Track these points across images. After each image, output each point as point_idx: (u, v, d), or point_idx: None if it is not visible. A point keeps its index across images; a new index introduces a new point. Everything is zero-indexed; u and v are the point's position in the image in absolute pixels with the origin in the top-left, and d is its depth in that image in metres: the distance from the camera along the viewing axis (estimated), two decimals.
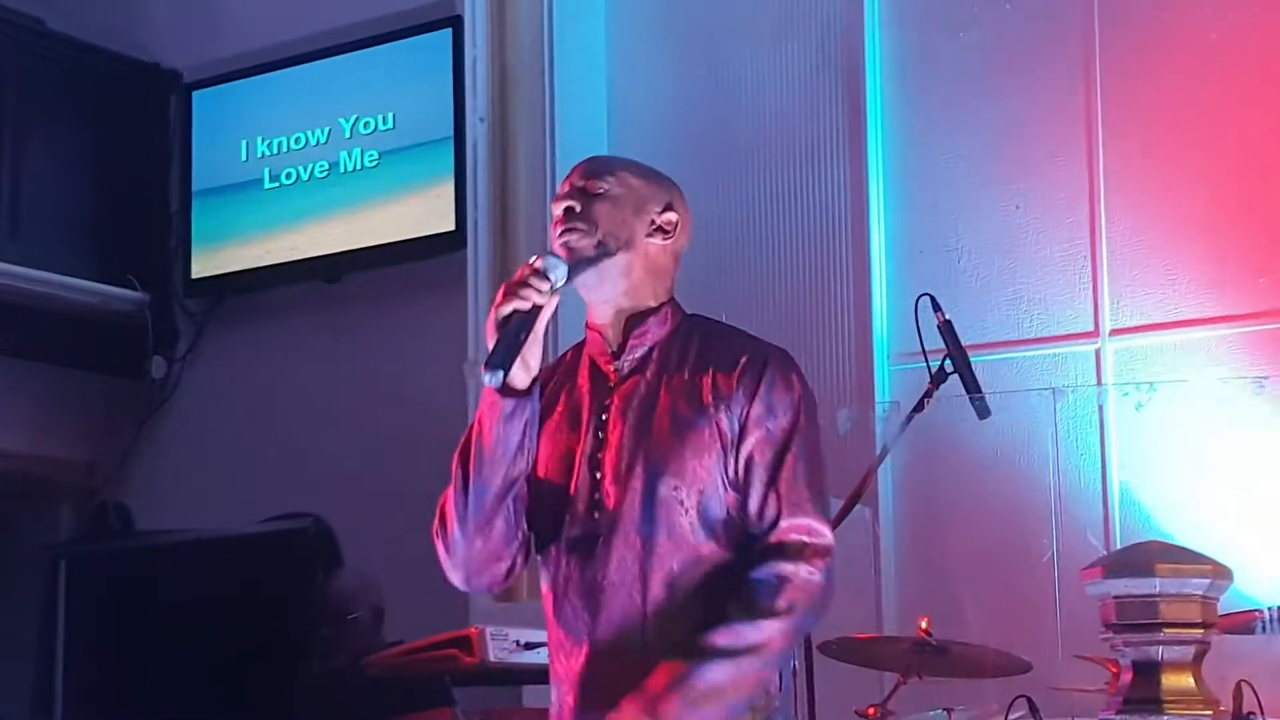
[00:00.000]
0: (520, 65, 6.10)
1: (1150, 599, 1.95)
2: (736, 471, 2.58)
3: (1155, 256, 5.37)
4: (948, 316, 4.29)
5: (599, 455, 2.63)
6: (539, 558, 2.71)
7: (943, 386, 4.24)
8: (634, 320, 2.69)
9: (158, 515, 6.58)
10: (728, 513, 2.58)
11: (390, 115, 6.28)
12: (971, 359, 4.26)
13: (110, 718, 6.25)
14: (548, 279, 2.56)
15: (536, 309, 2.53)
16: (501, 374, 2.50)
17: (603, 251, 2.64)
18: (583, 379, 2.71)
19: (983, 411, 4.22)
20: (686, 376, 2.64)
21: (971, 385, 4.25)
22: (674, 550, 2.57)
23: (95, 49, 6.66)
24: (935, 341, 4.28)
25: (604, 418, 2.66)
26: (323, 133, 6.42)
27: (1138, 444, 5.02)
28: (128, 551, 6.61)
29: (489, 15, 6.15)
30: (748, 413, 2.59)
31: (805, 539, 2.54)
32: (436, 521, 2.68)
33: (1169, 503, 4.84)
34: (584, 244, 2.64)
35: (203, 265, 6.62)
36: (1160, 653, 1.91)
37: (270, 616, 5.83)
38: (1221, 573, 2.00)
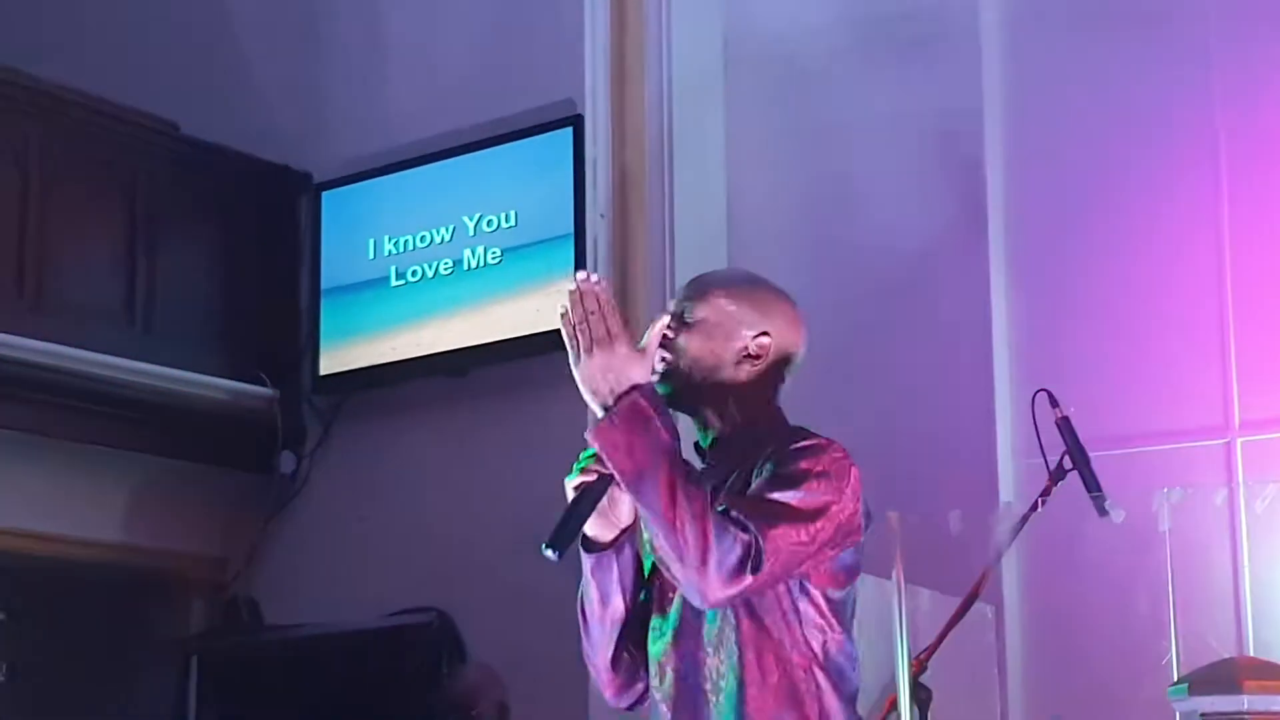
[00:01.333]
0: (640, 163, 6.17)
1: (1238, 716, 1.91)
2: None
3: None
4: (1065, 413, 4.26)
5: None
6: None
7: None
8: (717, 442, 2.80)
9: (287, 609, 6.65)
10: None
11: (513, 213, 6.36)
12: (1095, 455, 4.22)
13: None
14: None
15: (605, 481, 2.64)
16: (556, 553, 2.63)
17: (688, 387, 2.75)
18: None
19: (1102, 510, 4.17)
20: (747, 467, 2.72)
21: (1091, 483, 4.20)
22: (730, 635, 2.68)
23: (227, 151, 6.81)
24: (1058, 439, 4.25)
25: None
26: (447, 231, 6.51)
27: (1268, 544, 4.93)
28: (257, 645, 6.68)
29: (609, 114, 6.24)
30: (776, 461, 2.67)
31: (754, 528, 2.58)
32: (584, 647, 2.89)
33: None
34: (671, 377, 2.76)
35: (331, 362, 6.72)
36: None
37: (394, 710, 5.86)
38: None
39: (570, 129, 6.22)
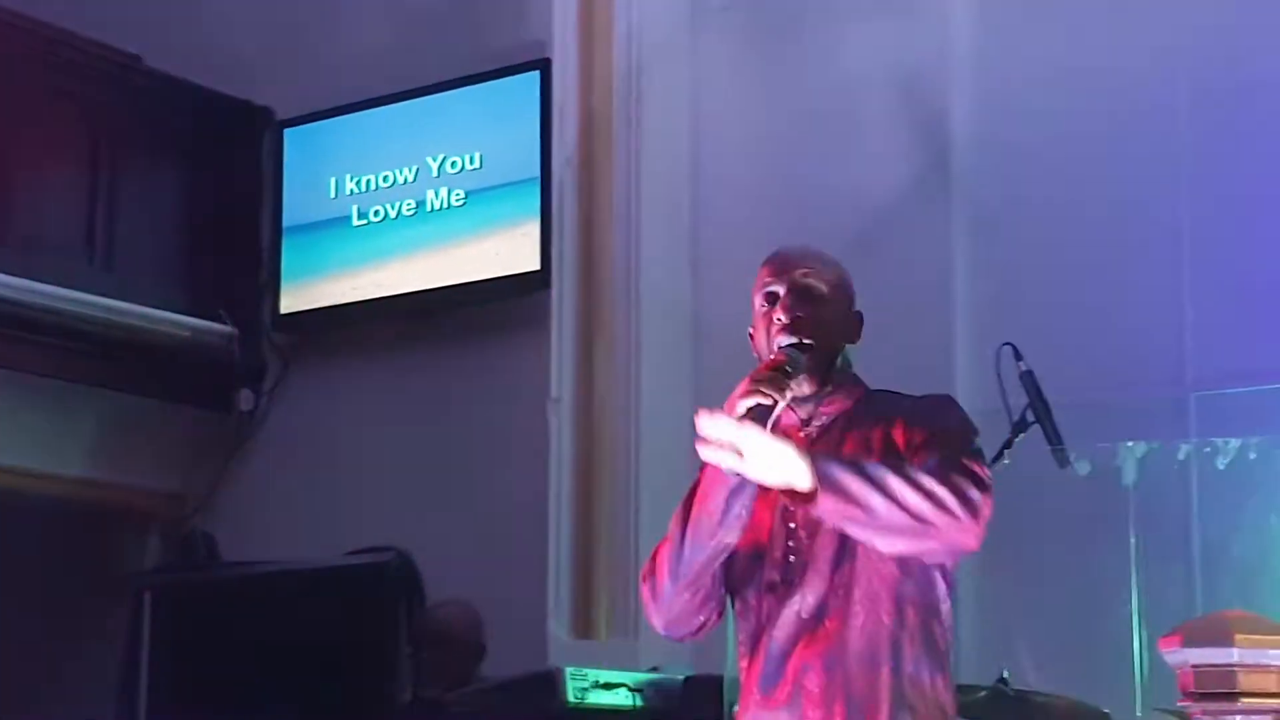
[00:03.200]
0: (607, 108, 6.18)
1: (1228, 668, 1.98)
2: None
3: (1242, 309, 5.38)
4: (1028, 367, 4.32)
5: (791, 508, 2.80)
6: (733, 607, 2.91)
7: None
8: (824, 395, 2.87)
9: (243, 546, 6.66)
10: None
11: (478, 155, 6.35)
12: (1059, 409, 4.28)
13: None
14: (789, 374, 2.73)
15: (775, 403, 2.69)
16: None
17: (828, 366, 2.85)
18: None
19: (1063, 462, 4.24)
20: (865, 430, 2.83)
21: (1052, 436, 4.27)
22: (866, 580, 2.76)
23: (190, 86, 6.76)
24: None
25: None
26: (411, 171, 6.50)
27: (1222, 500, 5.01)
28: (213, 581, 6.69)
29: (578, 58, 6.23)
30: (918, 419, 2.79)
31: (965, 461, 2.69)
32: (647, 567, 2.90)
33: (1250, 563, 4.82)
34: (815, 364, 2.82)
35: (291, 300, 6.71)
36: None
37: (350, 648, 5.89)
38: None
39: (538, 72, 6.22)
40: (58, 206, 6.39)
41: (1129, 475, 4.33)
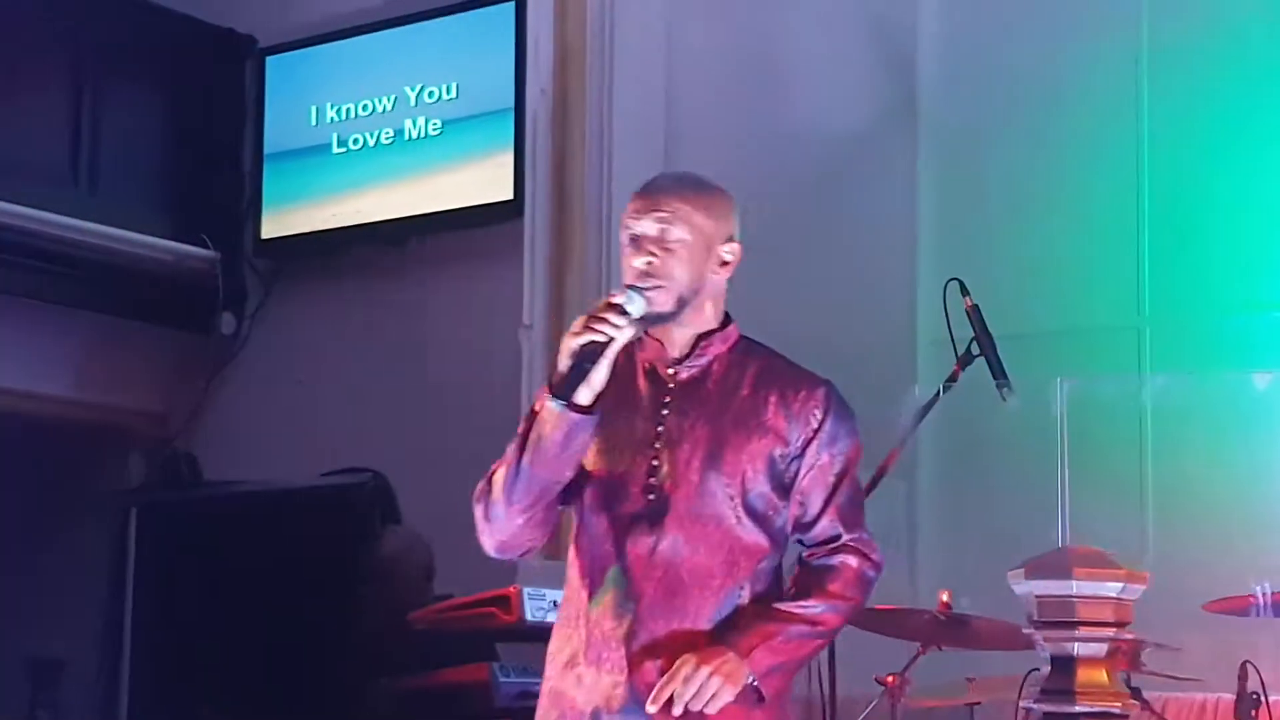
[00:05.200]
0: (580, 40, 6.25)
1: (1067, 599, 2.13)
2: (791, 481, 2.88)
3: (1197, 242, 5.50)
4: (975, 301, 4.44)
5: (656, 445, 2.87)
6: (577, 529, 2.94)
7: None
8: (700, 337, 2.93)
9: (224, 467, 6.81)
10: (768, 512, 2.87)
11: (454, 85, 6.46)
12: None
13: (174, 659, 6.52)
14: (626, 314, 2.77)
15: (610, 340, 2.75)
16: (563, 404, 2.74)
17: (681, 305, 2.88)
18: (640, 378, 2.92)
19: (1007, 395, 4.37)
20: (747, 392, 2.90)
21: (996, 369, 4.40)
22: (722, 537, 2.85)
23: (173, 14, 6.85)
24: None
25: (663, 412, 2.89)
26: (389, 100, 6.60)
27: (1174, 432, 5.15)
28: (195, 501, 6.84)
29: None
30: (813, 435, 2.88)
31: (865, 550, 2.90)
32: (481, 488, 2.91)
33: (1198, 492, 4.97)
34: (665, 301, 2.85)
35: (273, 226, 6.83)
36: (1075, 648, 2.09)
37: (326, 568, 6.04)
38: (1135, 578, 2.18)
39: (513, 4, 6.31)
40: (42, 132, 6.50)
41: (1058, 406, 4.46)
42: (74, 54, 6.61)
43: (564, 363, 2.75)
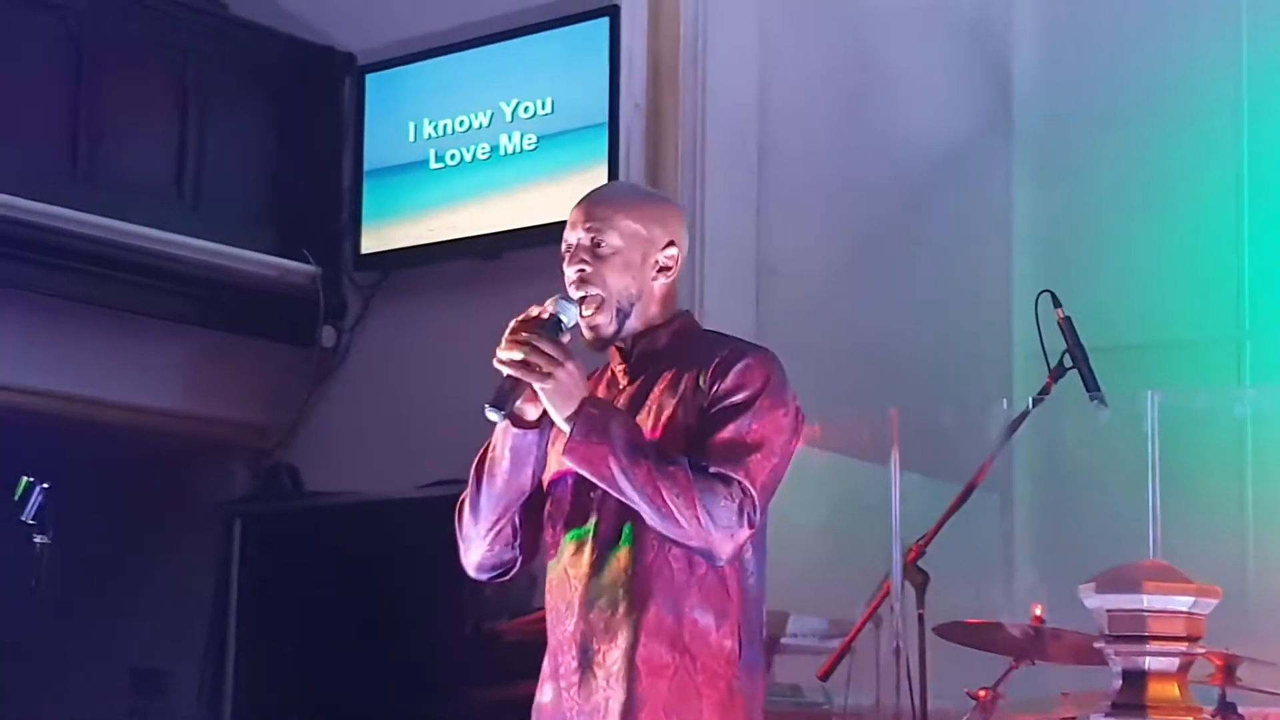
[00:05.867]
0: (674, 54, 6.30)
1: (1138, 614, 2.13)
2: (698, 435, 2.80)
3: None
4: (1068, 314, 4.43)
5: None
6: (548, 541, 2.95)
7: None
8: (642, 336, 2.94)
9: (325, 477, 6.91)
10: None
11: (549, 100, 6.51)
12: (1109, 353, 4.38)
13: (275, 668, 6.63)
14: (560, 324, 2.80)
15: (535, 364, 2.76)
16: (502, 414, 2.78)
17: (623, 318, 2.89)
18: (602, 387, 2.97)
19: (1099, 407, 4.35)
20: (672, 374, 2.88)
21: (1089, 382, 4.37)
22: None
23: (275, 33, 6.97)
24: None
25: None
26: (485, 116, 6.67)
27: (1276, 447, 5.08)
28: (297, 512, 6.95)
29: (645, 4, 6.36)
30: (719, 388, 2.81)
31: (737, 478, 2.74)
32: (456, 518, 3.01)
33: None
34: (603, 320, 2.88)
35: (372, 241, 6.92)
36: (1147, 663, 2.08)
37: (422, 578, 6.11)
38: (1206, 592, 2.18)
39: (607, 18, 6.35)
40: (149, 151, 6.63)
41: (1150, 420, 4.43)
42: (179, 74, 6.73)
43: (498, 378, 2.79)
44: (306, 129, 7.05)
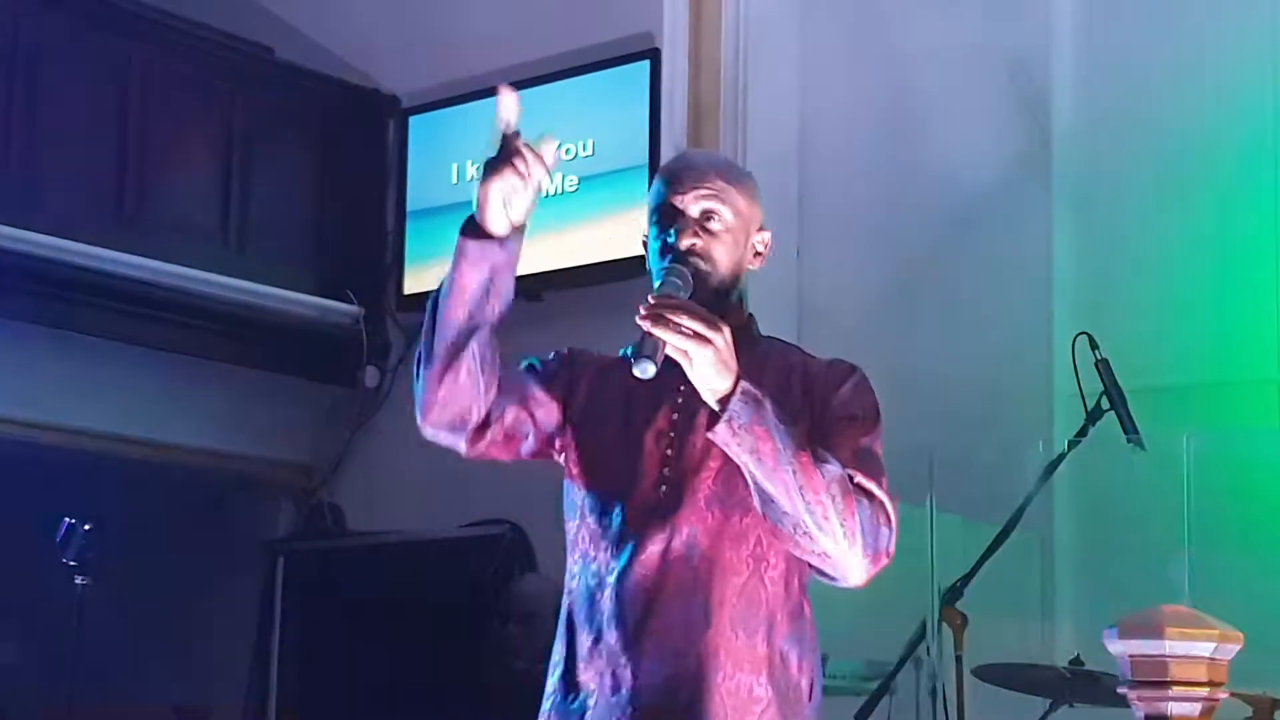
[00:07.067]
0: (714, 96, 6.34)
1: (1160, 659, 2.13)
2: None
3: None
4: (1105, 355, 4.43)
5: (670, 434, 2.63)
6: (580, 516, 2.74)
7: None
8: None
9: (368, 516, 6.96)
10: None
11: (590, 142, 6.55)
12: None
13: (319, 705, 6.66)
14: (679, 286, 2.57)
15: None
16: (655, 366, 2.43)
17: (717, 298, 2.64)
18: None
19: (1136, 449, 4.34)
20: (769, 375, 2.62)
21: (1126, 424, 4.38)
22: (758, 536, 2.57)
23: (320, 76, 7.05)
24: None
25: (679, 400, 2.63)
26: None
27: None
28: (340, 550, 7.00)
29: (686, 48, 6.40)
30: (835, 399, 2.60)
31: (881, 497, 2.51)
32: (413, 365, 2.72)
33: None
34: (706, 300, 2.59)
35: (415, 282, 6.96)
36: (1170, 708, 2.09)
37: (465, 616, 6.15)
38: (1229, 637, 2.18)
39: (648, 61, 6.40)
40: (194, 192, 6.69)
41: (1186, 461, 4.42)
42: (225, 116, 6.80)
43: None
44: (350, 171, 7.11)
